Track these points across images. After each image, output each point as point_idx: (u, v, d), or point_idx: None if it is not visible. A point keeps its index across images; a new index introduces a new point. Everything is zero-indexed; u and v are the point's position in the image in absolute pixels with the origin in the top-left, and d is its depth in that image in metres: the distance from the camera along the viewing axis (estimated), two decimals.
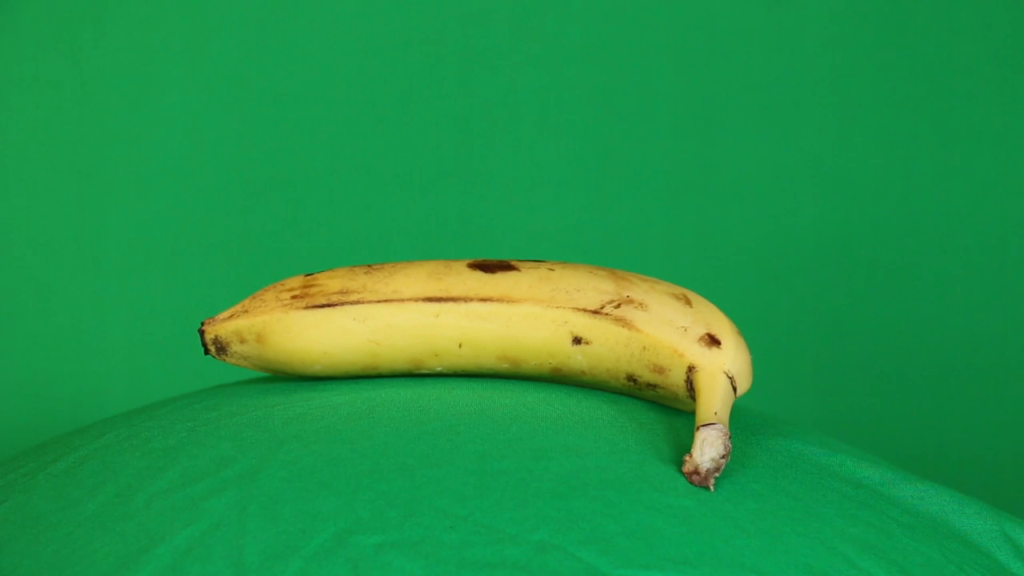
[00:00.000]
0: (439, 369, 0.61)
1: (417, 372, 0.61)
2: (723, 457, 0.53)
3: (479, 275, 0.60)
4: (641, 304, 0.59)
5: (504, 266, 0.60)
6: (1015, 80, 1.17)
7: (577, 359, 0.59)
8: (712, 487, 0.52)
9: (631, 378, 0.59)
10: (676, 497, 0.51)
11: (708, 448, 0.53)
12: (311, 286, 0.61)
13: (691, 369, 0.57)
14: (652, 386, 0.58)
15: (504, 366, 0.61)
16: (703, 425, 0.53)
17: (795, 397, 1.18)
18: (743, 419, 0.62)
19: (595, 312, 0.59)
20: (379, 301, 0.60)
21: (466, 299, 0.59)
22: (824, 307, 1.18)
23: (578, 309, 0.59)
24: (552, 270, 0.60)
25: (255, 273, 1.15)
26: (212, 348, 0.62)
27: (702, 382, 0.56)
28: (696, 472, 0.52)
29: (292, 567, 0.46)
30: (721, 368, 0.56)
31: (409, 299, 0.60)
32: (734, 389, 0.56)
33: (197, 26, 1.15)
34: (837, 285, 1.18)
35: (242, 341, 0.61)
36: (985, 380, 1.17)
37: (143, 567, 0.47)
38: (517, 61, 1.17)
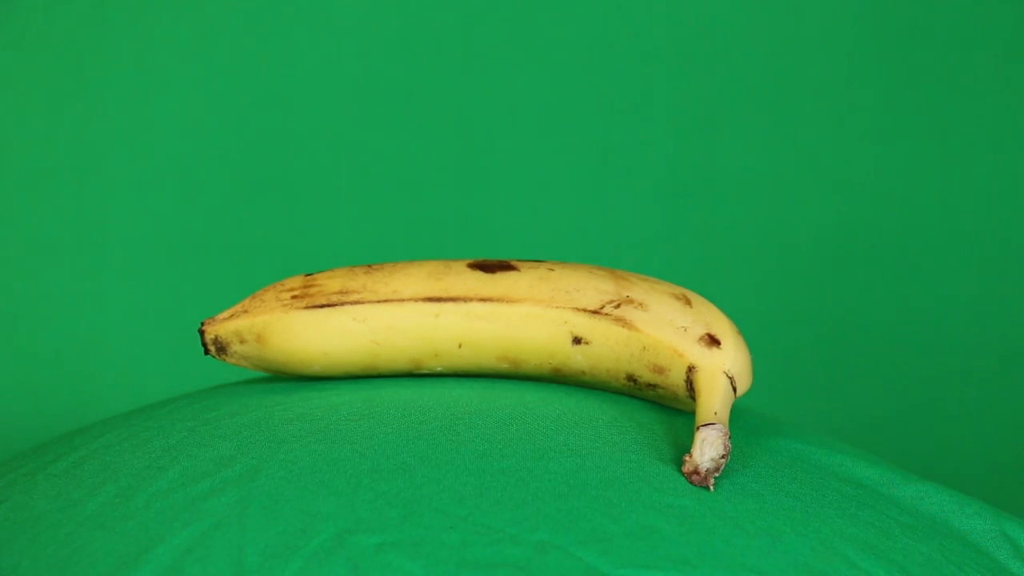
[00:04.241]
0: (439, 369, 0.61)
1: (417, 372, 0.61)
2: (723, 457, 0.53)
3: (479, 275, 0.60)
4: (641, 304, 0.59)
5: (504, 266, 0.60)
6: (1015, 80, 1.17)
7: (577, 359, 0.59)
8: (712, 487, 0.52)
9: (631, 378, 0.59)
10: (676, 497, 0.51)
11: (708, 448, 0.53)
12: (311, 286, 0.61)
13: (691, 369, 0.57)
14: (652, 386, 0.58)
15: (504, 366, 0.61)
16: (703, 425, 0.53)
17: (795, 397, 1.18)
18: (743, 419, 0.62)
19: (595, 312, 0.59)
20: (379, 301, 0.60)
21: (466, 299, 0.59)
22: (824, 307, 1.18)
23: (578, 309, 0.59)
24: (552, 270, 0.60)
25: (255, 273, 1.14)
26: (212, 348, 0.62)
27: (702, 382, 0.56)
28: (696, 472, 0.52)
29: (292, 567, 0.46)
30: (721, 368, 0.56)
31: (409, 299, 0.60)
32: (734, 389, 0.56)
33: (197, 26, 1.15)
34: (837, 285, 1.18)
35: (242, 341, 0.61)
36: (985, 380, 1.17)
37: (143, 567, 0.47)
38: (517, 61, 1.17)
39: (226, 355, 0.62)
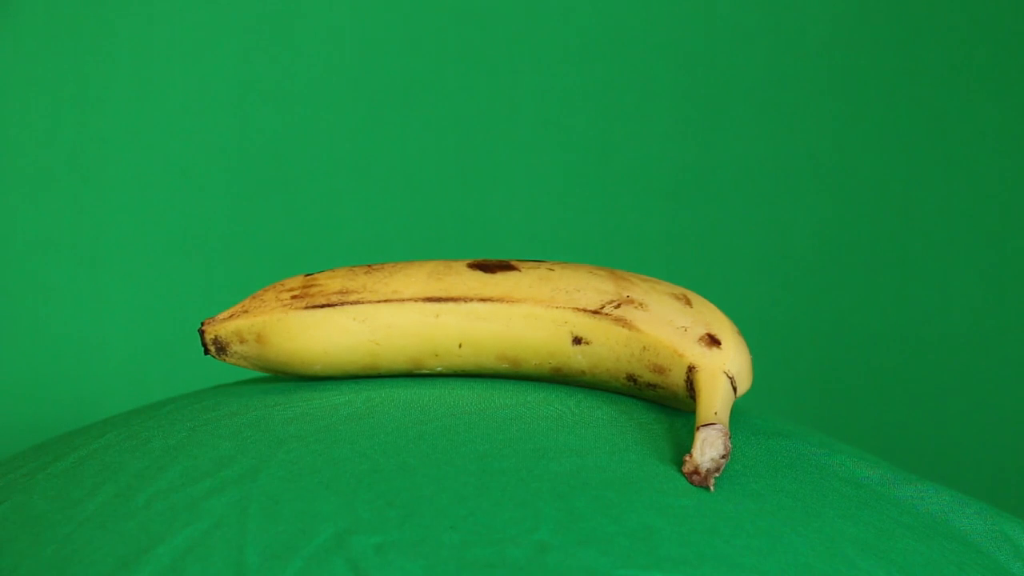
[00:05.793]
0: (439, 369, 0.61)
1: (417, 372, 0.61)
2: (723, 457, 0.53)
3: (479, 275, 0.60)
4: (641, 304, 0.59)
5: (504, 266, 0.60)
6: (1015, 80, 1.17)
7: (577, 359, 0.59)
8: (712, 487, 0.52)
9: (631, 378, 0.59)
10: (676, 497, 0.51)
11: (708, 448, 0.53)
12: (311, 286, 0.61)
13: (691, 369, 0.57)
14: (652, 386, 0.58)
15: (504, 366, 0.61)
16: (703, 425, 0.53)
17: (795, 397, 1.18)
18: (743, 419, 0.62)
19: (595, 312, 0.59)
20: (379, 301, 0.60)
21: (466, 299, 0.59)
22: (824, 307, 1.18)
23: (578, 309, 0.59)
24: (552, 270, 0.60)
25: (255, 273, 1.15)
26: (212, 348, 0.62)
27: (702, 382, 0.56)
28: (696, 472, 0.52)
29: (292, 567, 0.46)
30: (721, 368, 0.56)
31: (409, 299, 0.60)
32: (734, 389, 0.56)
33: (197, 26, 1.15)
34: (837, 285, 1.18)
35: (242, 341, 0.61)
36: (985, 380, 1.17)
37: (143, 567, 0.47)
38: (517, 61, 1.17)
39: (226, 355, 0.62)
